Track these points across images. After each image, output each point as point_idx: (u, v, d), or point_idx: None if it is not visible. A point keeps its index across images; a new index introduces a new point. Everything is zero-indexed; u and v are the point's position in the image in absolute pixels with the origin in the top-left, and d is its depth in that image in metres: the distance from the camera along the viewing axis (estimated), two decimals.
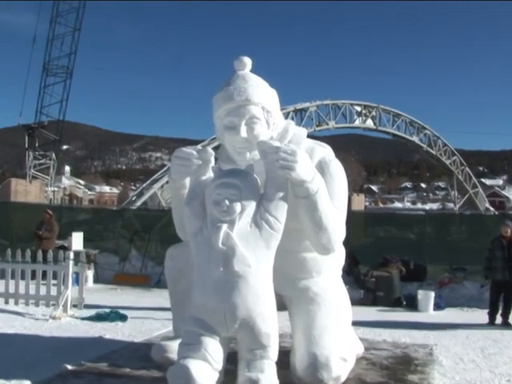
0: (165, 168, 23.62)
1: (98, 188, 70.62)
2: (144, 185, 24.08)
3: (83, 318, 4.88)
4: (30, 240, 9.10)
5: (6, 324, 4.42)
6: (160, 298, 6.65)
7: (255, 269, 2.13)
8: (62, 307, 5.07)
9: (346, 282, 2.82)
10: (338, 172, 2.53)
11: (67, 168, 63.51)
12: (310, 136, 2.74)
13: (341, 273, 2.76)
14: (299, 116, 26.15)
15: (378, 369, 2.81)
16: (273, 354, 2.18)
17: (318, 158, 2.51)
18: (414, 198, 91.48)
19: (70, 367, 2.71)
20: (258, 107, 2.41)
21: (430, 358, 3.20)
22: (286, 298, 2.54)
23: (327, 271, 2.56)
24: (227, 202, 2.14)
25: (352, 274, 8.53)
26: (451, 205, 39.93)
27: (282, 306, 2.48)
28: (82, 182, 66.22)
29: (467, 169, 35.33)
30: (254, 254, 2.14)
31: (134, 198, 22.74)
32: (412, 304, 7.54)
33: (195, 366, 2.07)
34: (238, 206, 2.15)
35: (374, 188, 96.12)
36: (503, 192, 62.07)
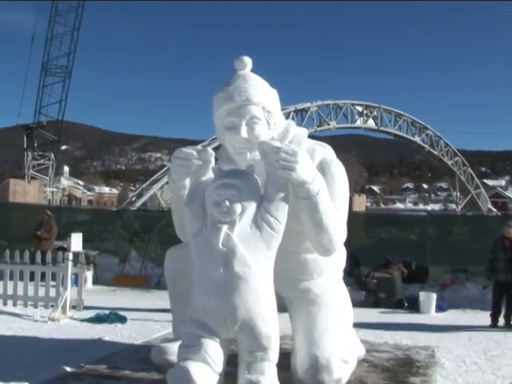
0: (164, 168, 23.64)
1: (97, 188, 70.59)
2: (144, 185, 24.08)
3: (82, 320, 4.87)
4: (29, 241, 9.07)
5: (4, 326, 4.41)
6: (160, 299, 6.65)
7: (255, 270, 2.12)
8: (61, 309, 5.06)
9: (347, 284, 2.81)
10: (339, 172, 2.52)
11: (66, 168, 63.53)
12: (310, 136, 2.73)
13: (342, 274, 2.75)
14: (300, 116, 26.16)
15: (379, 371, 2.80)
16: (273, 355, 2.17)
17: (318, 158, 2.50)
18: (416, 198, 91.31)
19: (69, 369, 2.71)
20: (259, 107, 2.40)
21: (431, 360, 3.19)
22: (287, 299, 2.53)
23: (328, 272, 2.55)
24: (227, 203, 2.14)
25: (353, 275, 8.51)
26: (453, 206, 39.87)
27: (282, 307, 2.47)
28: (81, 182, 66.26)
29: (469, 169, 35.25)
30: (255, 255, 2.13)
31: (133, 199, 22.75)
32: (414, 306, 7.51)
33: (195, 368, 2.06)
34: (238, 207, 2.15)
35: (376, 189, 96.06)
36: (506, 193, 61.84)
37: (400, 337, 4.61)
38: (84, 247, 9.30)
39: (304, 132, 2.67)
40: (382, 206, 68.68)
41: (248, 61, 2.50)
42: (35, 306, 5.48)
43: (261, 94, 2.42)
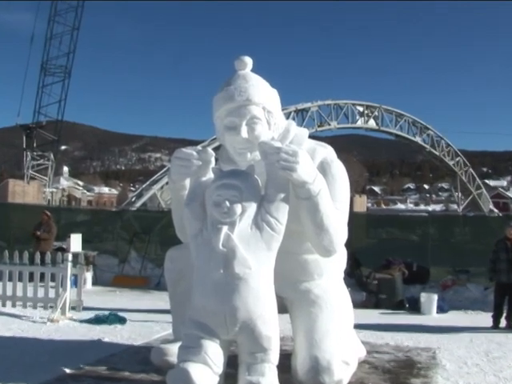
0: (164, 169, 23.62)
1: (96, 189, 70.54)
2: (143, 186, 24.01)
3: (82, 321, 4.84)
4: (28, 241, 9.08)
5: (3, 327, 4.38)
6: (160, 300, 6.64)
7: (256, 271, 2.11)
8: (60, 310, 5.03)
9: (347, 285, 2.80)
10: (340, 173, 2.51)
11: (65, 169, 63.55)
12: (311, 136, 2.72)
13: (343, 275, 2.74)
14: (300, 116, 26.14)
15: (380, 372, 2.79)
16: (274, 357, 2.16)
17: (319, 158, 2.49)
18: (417, 199, 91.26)
19: (68, 371, 2.70)
20: (259, 107, 2.40)
21: (433, 361, 3.18)
22: (287, 300, 2.52)
23: (329, 273, 2.54)
24: (228, 204, 2.13)
25: (354, 276, 8.49)
26: (455, 206, 39.84)
27: (283, 308, 2.46)
28: (80, 182, 66.28)
29: (471, 170, 35.21)
30: (255, 255, 2.12)
31: (133, 199, 22.72)
32: (415, 307, 7.49)
33: (195, 369, 2.06)
34: (238, 208, 2.14)
35: (377, 189, 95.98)
36: (507, 193, 61.67)
37: (401, 338, 4.58)
38: (83, 248, 9.26)
39: (305, 132, 2.66)
40: (383, 206, 68.66)
41: (248, 61, 2.49)
42: (34, 307, 5.46)
43: (261, 94, 2.41)
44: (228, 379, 2.21)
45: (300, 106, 26.18)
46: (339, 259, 2.62)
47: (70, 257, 5.56)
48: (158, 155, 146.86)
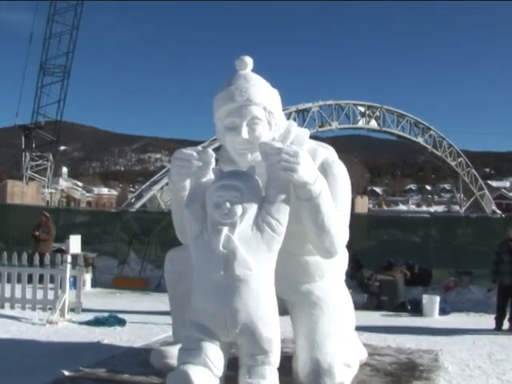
0: (164, 169, 23.48)
1: (96, 190, 70.51)
2: (143, 186, 23.84)
3: (81, 323, 4.85)
4: (27, 243, 9.06)
5: (1, 329, 4.39)
6: (159, 302, 6.61)
7: (256, 272, 2.09)
8: (60, 311, 5.03)
9: (349, 286, 2.78)
10: (341, 174, 2.50)
11: (65, 169, 63.54)
12: (312, 137, 2.70)
13: (344, 277, 2.72)
14: (301, 117, 26.00)
15: (381, 375, 2.77)
16: (274, 359, 2.15)
17: (320, 159, 2.48)
18: (419, 200, 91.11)
19: (67, 373, 2.69)
20: (260, 108, 2.38)
21: (435, 364, 3.15)
22: (288, 302, 2.50)
23: (330, 275, 2.53)
24: (228, 205, 2.12)
25: (355, 277, 8.47)
26: (457, 207, 39.65)
27: (284, 310, 2.45)
28: (79, 183, 66.34)
29: (473, 170, 35.09)
30: (256, 257, 2.11)
31: (132, 200, 22.61)
32: (417, 309, 7.46)
33: (195, 371, 2.04)
34: (239, 209, 2.12)
35: (378, 190, 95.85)
36: (510, 194, 61.45)
37: (403, 340, 4.57)
38: (83, 249, 9.27)
39: (306, 133, 2.65)
40: (385, 207, 68.56)
41: (249, 60, 2.47)
42: (33, 309, 5.45)
43: (262, 94, 2.39)
44: (228, 381, 2.20)
45: (301, 107, 26.09)
46: (340, 261, 2.60)
47: (69, 258, 5.55)
48: (158, 156, 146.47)
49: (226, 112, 2.39)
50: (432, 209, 62.49)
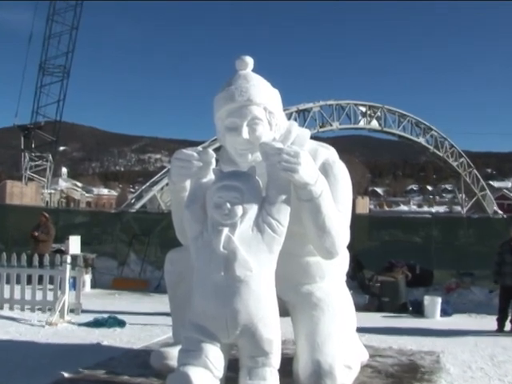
0: (164, 170, 23.35)
1: (95, 190, 70.22)
2: (143, 187, 23.71)
3: (80, 324, 4.83)
4: (26, 244, 9.05)
5: (0, 330, 4.37)
6: (159, 303, 6.61)
7: (257, 273, 2.08)
8: (59, 313, 5.01)
9: (350, 287, 2.76)
10: (342, 174, 2.48)
11: (64, 170, 63.49)
12: (313, 137, 2.69)
13: (345, 278, 2.70)
14: (302, 117, 25.91)
15: (383, 377, 2.75)
16: (275, 361, 2.14)
17: (321, 159, 2.46)
18: (420, 200, 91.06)
19: (66, 375, 2.68)
20: (260, 108, 2.37)
21: (436, 365, 3.13)
22: (289, 303, 2.49)
23: (331, 276, 2.52)
24: (228, 205, 2.11)
25: (356, 278, 8.45)
26: (458, 208, 39.63)
27: (284, 311, 2.43)
28: (79, 184, 66.30)
29: (475, 171, 34.99)
30: (256, 258, 2.10)
31: (132, 201, 22.51)
32: (418, 310, 7.44)
33: (195, 373, 2.03)
34: (239, 209, 2.11)
35: (379, 190, 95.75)
36: None
37: (404, 342, 4.54)
38: (82, 250, 9.29)
39: (306, 133, 2.64)
40: (386, 208, 68.56)
41: (249, 60, 2.46)
42: (32, 310, 5.42)
43: (262, 94, 2.38)
44: (229, 383, 2.19)
45: (301, 107, 26.00)
46: (341, 262, 2.58)
47: (68, 259, 5.54)
48: (158, 156, 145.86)
49: (226, 112, 2.38)
50: (433, 209, 62.46)
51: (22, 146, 25.45)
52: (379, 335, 4.85)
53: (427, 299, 7.35)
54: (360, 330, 2.78)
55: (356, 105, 28.29)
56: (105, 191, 72.97)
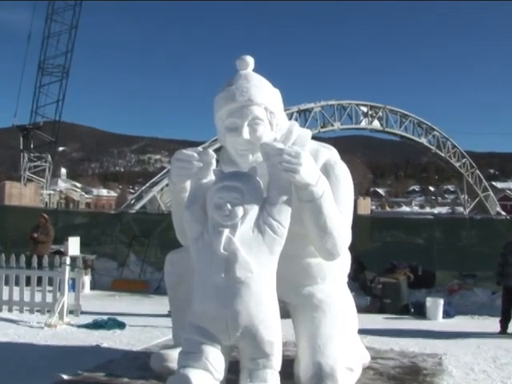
0: (164, 170, 23.30)
1: (95, 191, 70.18)
2: (143, 188, 23.64)
3: (80, 326, 4.81)
4: (25, 245, 8.98)
5: None
6: (159, 304, 6.58)
7: (258, 275, 2.08)
8: (58, 314, 4.98)
9: (351, 289, 2.75)
10: (344, 175, 2.48)
11: (63, 170, 63.35)
12: (314, 137, 2.69)
13: (346, 279, 2.70)
14: (303, 117, 25.86)
15: (385, 379, 2.74)
16: (276, 363, 2.13)
17: (322, 160, 2.45)
18: (422, 201, 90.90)
19: (65, 377, 2.68)
20: (261, 108, 2.36)
21: (439, 367, 3.12)
22: (290, 304, 2.48)
23: (332, 277, 2.50)
24: (229, 206, 2.10)
25: (358, 280, 8.41)
26: (461, 209, 39.57)
27: (285, 313, 2.42)
28: (78, 184, 66.28)
29: (477, 171, 34.89)
30: (257, 259, 2.09)
31: (132, 202, 22.44)
32: (420, 312, 7.40)
33: (196, 375, 2.02)
34: (240, 210, 2.11)
35: (381, 191, 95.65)
36: None
37: (406, 344, 4.50)
38: (82, 251, 9.25)
39: (307, 133, 2.63)
40: (388, 209, 68.46)
41: (250, 60, 2.45)
42: (31, 312, 5.39)
43: (263, 94, 2.38)
44: None
45: (303, 107, 25.94)
46: (343, 263, 2.57)
47: (67, 260, 5.51)
48: (158, 157, 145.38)
49: (226, 112, 2.37)
50: (436, 210, 62.30)
51: (21, 147, 25.35)
52: (381, 337, 4.83)
53: (429, 301, 7.31)
54: (361, 331, 2.77)
55: (357, 105, 28.24)
56: (104, 192, 72.83)
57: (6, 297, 5.51)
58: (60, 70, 24.81)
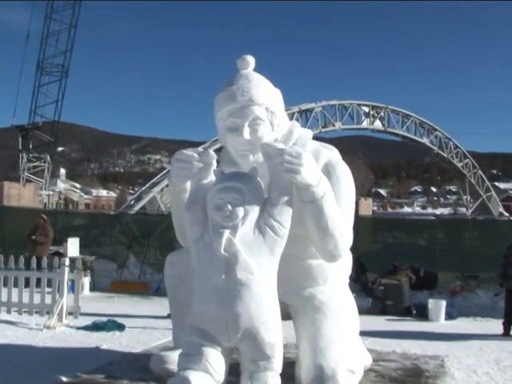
0: (164, 171, 23.23)
1: (94, 192, 69.73)
2: (143, 188, 23.45)
3: (79, 328, 4.80)
4: (24, 246, 8.95)
5: None
6: (159, 306, 6.57)
7: (258, 276, 2.06)
8: (57, 316, 4.98)
9: (353, 290, 2.74)
10: (345, 175, 2.46)
11: (62, 171, 62.94)
12: (315, 138, 2.68)
13: (348, 280, 2.68)
14: (304, 117, 25.73)
15: (386, 381, 2.74)
16: (277, 365, 2.11)
17: (324, 160, 2.44)
18: (425, 202, 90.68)
19: (65, 379, 2.66)
20: (262, 108, 2.35)
21: (441, 370, 3.11)
22: (291, 306, 2.46)
23: (334, 279, 2.49)
24: (230, 207, 2.08)
25: (359, 281, 8.39)
26: (463, 209, 39.37)
27: (286, 314, 2.41)
28: (77, 185, 66.02)
29: (480, 172, 34.73)
30: (258, 260, 2.07)
31: (132, 202, 22.29)
32: (422, 313, 7.38)
33: (196, 377, 2.01)
34: (240, 211, 2.09)
35: (383, 192, 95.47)
36: None
37: (408, 346, 4.50)
38: (81, 252, 9.25)
39: (309, 133, 2.61)
40: (390, 209, 68.27)
41: (251, 60, 2.44)
42: (30, 314, 5.38)
43: (264, 94, 2.36)
44: None
45: (304, 107, 25.84)
46: (344, 264, 2.56)
47: (67, 262, 5.50)
48: (158, 157, 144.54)
49: (227, 112, 2.36)
50: (438, 211, 62.13)
51: (20, 147, 25.14)
52: (383, 339, 4.81)
53: (431, 302, 7.29)
54: (363, 333, 2.76)
55: (359, 105, 28.14)
56: (104, 192, 72.47)
57: (4, 298, 5.50)
58: (59, 69, 24.61)
